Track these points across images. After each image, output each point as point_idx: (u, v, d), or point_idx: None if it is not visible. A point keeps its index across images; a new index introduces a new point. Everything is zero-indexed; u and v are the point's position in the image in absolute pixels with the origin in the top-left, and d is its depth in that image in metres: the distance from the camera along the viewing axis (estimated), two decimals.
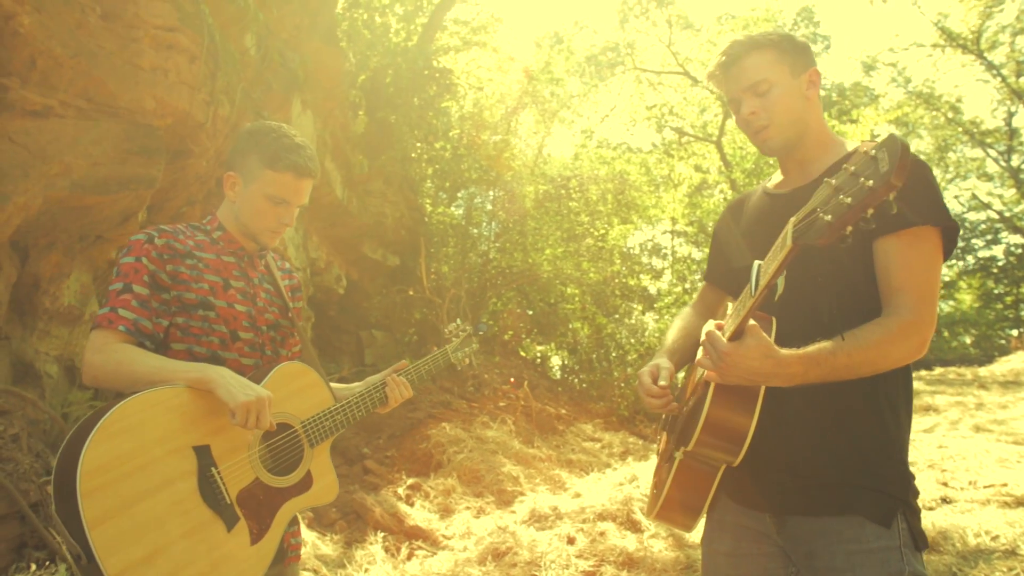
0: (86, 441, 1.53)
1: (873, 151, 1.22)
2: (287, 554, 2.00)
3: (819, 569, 1.58)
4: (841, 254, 1.58)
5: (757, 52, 1.72)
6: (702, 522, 1.86)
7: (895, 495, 1.55)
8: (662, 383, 1.73)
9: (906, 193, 1.49)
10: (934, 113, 23.28)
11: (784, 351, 1.48)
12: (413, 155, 11.65)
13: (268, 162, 1.91)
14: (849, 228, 1.25)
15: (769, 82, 1.71)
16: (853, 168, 1.23)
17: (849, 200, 1.22)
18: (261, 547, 1.74)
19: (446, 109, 12.58)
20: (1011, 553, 3.59)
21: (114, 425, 1.62)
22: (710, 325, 1.56)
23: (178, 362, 1.74)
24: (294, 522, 2.02)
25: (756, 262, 1.43)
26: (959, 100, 23.57)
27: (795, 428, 1.62)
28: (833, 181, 1.25)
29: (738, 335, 1.49)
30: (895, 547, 1.52)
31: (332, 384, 2.10)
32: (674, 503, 1.73)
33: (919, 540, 1.55)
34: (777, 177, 1.90)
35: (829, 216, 1.24)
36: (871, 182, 1.20)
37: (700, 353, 1.58)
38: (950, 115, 22.98)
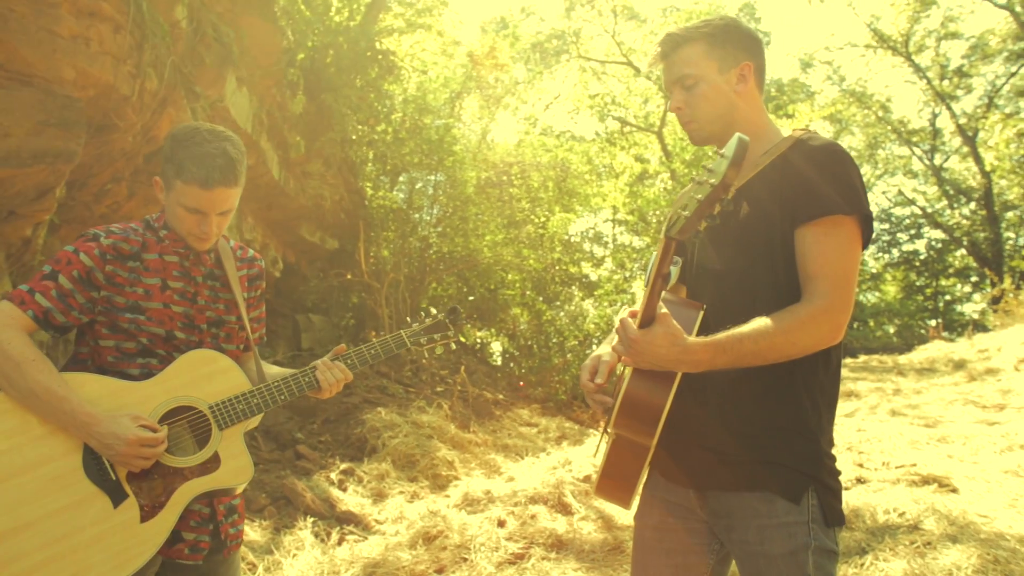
0: None
1: (721, 150, 1.37)
2: (226, 544, 2.00)
3: (735, 542, 1.67)
4: (774, 243, 1.65)
5: (687, 46, 1.76)
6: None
7: (805, 472, 1.61)
8: (598, 380, 1.78)
9: (823, 183, 1.59)
10: (865, 111, 24.13)
11: (691, 339, 1.56)
12: (354, 137, 11.46)
13: (176, 172, 1.87)
14: (703, 223, 1.42)
15: (695, 77, 1.75)
16: (710, 166, 1.38)
17: (700, 196, 1.38)
18: (152, 525, 1.75)
19: (389, 92, 12.40)
20: (914, 528, 3.79)
21: None
22: (623, 312, 1.65)
23: (65, 396, 1.71)
24: (234, 511, 2.02)
25: (654, 254, 1.56)
26: (889, 100, 24.51)
27: (715, 407, 1.69)
28: (696, 180, 1.39)
29: (647, 323, 1.56)
30: (803, 522, 1.59)
31: (269, 366, 2.10)
32: (609, 480, 1.80)
33: (830, 516, 1.61)
34: None
35: (687, 212, 1.40)
36: (714, 180, 1.36)
37: (615, 340, 1.65)
38: (880, 114, 23.86)
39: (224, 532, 1.98)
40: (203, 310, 1.99)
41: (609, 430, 1.75)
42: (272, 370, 2.14)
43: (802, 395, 1.64)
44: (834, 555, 1.62)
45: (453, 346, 2.36)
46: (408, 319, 2.38)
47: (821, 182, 1.61)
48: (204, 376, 1.90)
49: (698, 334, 1.64)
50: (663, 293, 1.77)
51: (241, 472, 1.90)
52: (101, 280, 1.85)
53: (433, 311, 2.34)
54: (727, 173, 1.35)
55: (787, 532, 1.59)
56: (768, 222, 1.67)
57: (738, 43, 1.77)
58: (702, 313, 1.71)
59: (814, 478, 1.61)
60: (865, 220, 1.63)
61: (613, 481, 1.79)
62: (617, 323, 1.66)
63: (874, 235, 1.71)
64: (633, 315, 1.63)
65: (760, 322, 1.56)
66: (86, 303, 1.84)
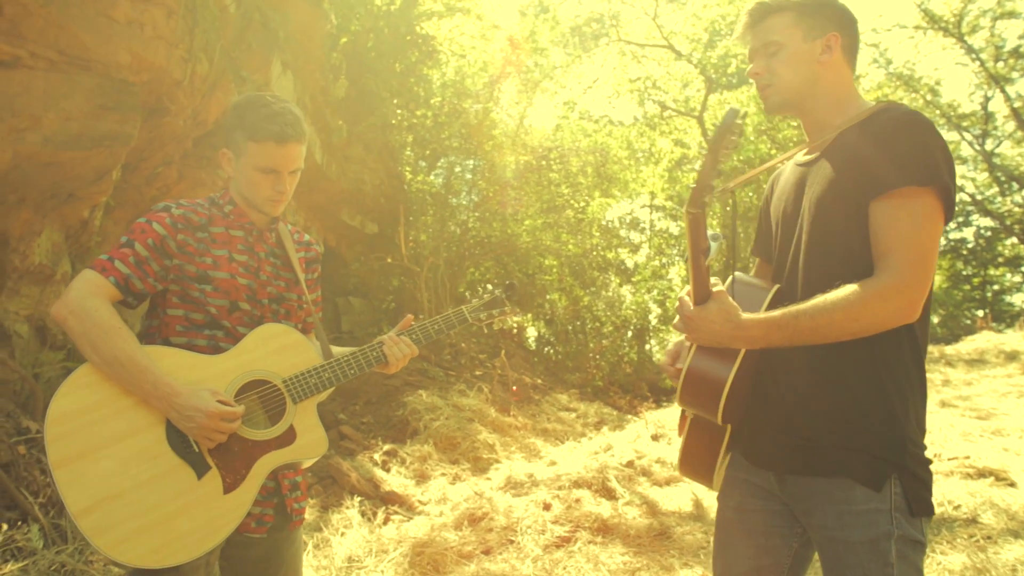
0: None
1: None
2: (291, 518, 2.04)
3: (814, 527, 1.65)
4: (849, 217, 1.60)
5: (776, 15, 1.75)
6: None
7: (888, 459, 1.56)
8: (679, 365, 1.79)
9: (897, 154, 1.53)
10: (913, 95, 23.39)
11: (746, 316, 1.58)
12: (393, 122, 11.49)
13: (249, 134, 1.93)
14: (707, 197, 1.47)
15: (778, 44, 1.73)
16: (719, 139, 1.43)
17: (719, 167, 1.44)
18: (235, 496, 1.78)
19: (428, 76, 12.39)
20: (972, 521, 3.71)
21: (81, 379, 1.75)
22: (683, 292, 1.69)
23: (148, 366, 1.75)
24: (297, 487, 2.05)
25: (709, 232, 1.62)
26: (938, 83, 23.72)
27: (794, 389, 1.66)
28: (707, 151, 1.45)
29: (702, 300, 1.61)
30: (885, 510, 1.54)
31: (334, 347, 2.12)
32: (689, 459, 1.86)
33: (915, 506, 1.56)
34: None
35: (695, 185, 1.48)
36: (710, 154, 1.43)
37: (677, 319, 1.71)
38: (928, 97, 23.10)
39: (289, 506, 2.01)
40: (265, 285, 2.03)
41: (677, 404, 1.78)
42: (334, 349, 2.16)
43: (885, 380, 1.59)
44: (920, 546, 1.57)
45: (509, 321, 2.43)
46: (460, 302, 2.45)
47: (895, 153, 1.55)
48: (276, 350, 1.92)
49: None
50: (738, 274, 1.78)
51: (317, 445, 1.93)
52: (173, 248, 1.89)
53: (490, 287, 2.42)
54: (712, 141, 1.41)
55: (867, 520, 1.55)
56: (842, 196, 1.62)
57: (829, 15, 1.73)
58: (772, 292, 1.71)
59: (897, 465, 1.56)
60: (944, 192, 1.54)
61: (693, 460, 1.85)
62: (678, 303, 1.70)
63: None
64: (689, 294, 1.66)
65: (821, 298, 1.54)
66: (160, 271, 1.88)
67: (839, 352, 1.57)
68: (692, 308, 1.62)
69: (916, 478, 1.58)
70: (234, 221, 2.04)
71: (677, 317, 1.69)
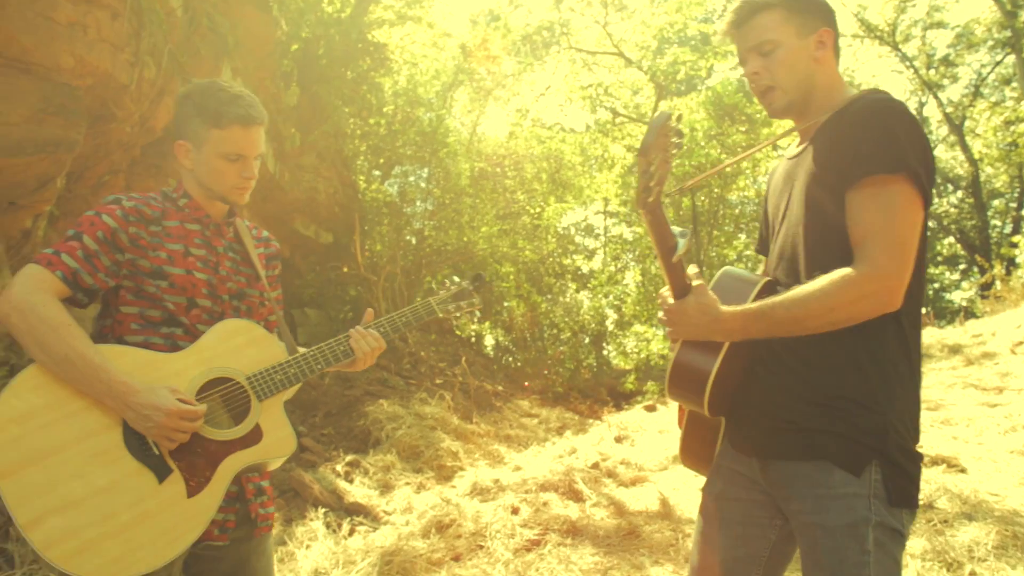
0: None
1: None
2: (257, 524, 1.94)
3: (793, 512, 1.63)
4: (835, 210, 1.59)
5: (765, 12, 1.70)
6: None
7: (869, 444, 1.54)
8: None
9: (865, 142, 1.54)
10: None
11: (723, 308, 1.59)
12: (347, 130, 11.38)
13: (212, 121, 1.86)
14: (649, 198, 1.47)
15: (773, 42, 1.68)
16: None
17: (651, 168, 1.45)
18: (199, 500, 1.69)
19: (380, 84, 12.31)
20: (929, 507, 3.80)
21: (28, 381, 1.62)
22: (664, 289, 1.70)
23: (101, 364, 1.65)
24: (262, 492, 1.96)
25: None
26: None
27: (776, 375, 1.66)
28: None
29: (680, 295, 1.63)
30: (864, 495, 1.52)
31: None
32: (688, 450, 1.91)
33: (895, 495, 1.54)
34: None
35: (639, 185, 1.49)
36: (641, 155, 1.44)
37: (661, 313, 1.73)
38: None
39: (254, 511, 1.92)
40: (225, 280, 1.94)
41: (666, 395, 1.88)
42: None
43: (867, 366, 1.57)
44: (900, 536, 1.55)
45: (477, 313, 2.40)
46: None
47: (863, 141, 1.54)
48: (239, 346, 1.84)
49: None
50: (728, 268, 1.81)
51: (284, 443, 1.85)
52: (125, 242, 1.79)
53: (457, 279, 2.38)
54: (643, 140, 1.42)
55: (845, 504, 1.53)
56: (824, 187, 1.62)
57: (816, 10, 1.71)
58: (760, 284, 1.71)
59: (878, 451, 1.54)
60: (914, 177, 1.51)
61: (691, 451, 1.89)
62: (660, 298, 1.73)
63: None
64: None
65: (797, 289, 1.55)
66: (111, 265, 1.78)
67: (822, 340, 1.57)
68: (669, 302, 1.65)
69: (898, 467, 1.55)
70: (189, 215, 1.95)
71: (660, 312, 1.71)
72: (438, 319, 2.26)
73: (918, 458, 1.61)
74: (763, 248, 1.97)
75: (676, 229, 1.59)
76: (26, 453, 1.54)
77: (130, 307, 1.81)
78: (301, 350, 2.03)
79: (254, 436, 1.80)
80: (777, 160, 1.99)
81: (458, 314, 2.31)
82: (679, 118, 1.48)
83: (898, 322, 1.59)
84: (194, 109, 1.87)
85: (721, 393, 1.67)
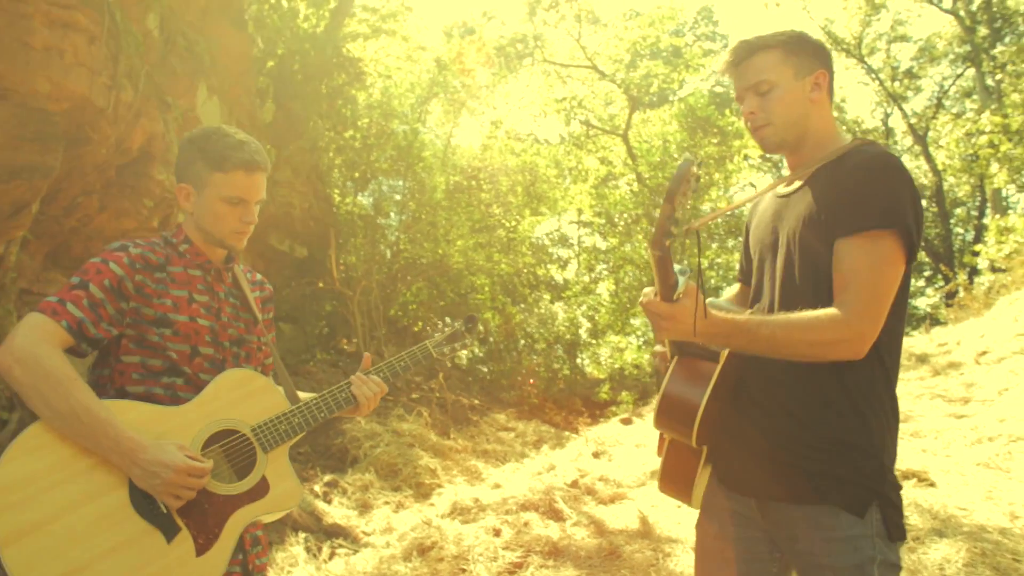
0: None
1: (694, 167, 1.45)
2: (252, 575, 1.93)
3: (800, 553, 1.68)
4: (821, 254, 1.65)
5: (763, 53, 1.75)
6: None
7: (870, 487, 1.62)
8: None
9: (865, 196, 1.61)
10: None
11: (715, 313, 1.62)
12: (321, 144, 11.35)
13: (215, 165, 1.85)
14: (667, 241, 1.49)
15: (770, 82, 1.73)
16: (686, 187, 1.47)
17: (676, 214, 1.48)
18: (209, 558, 1.67)
19: (355, 97, 12.30)
20: None
21: (30, 441, 1.58)
22: (643, 297, 1.69)
23: (108, 419, 1.63)
24: (258, 542, 1.95)
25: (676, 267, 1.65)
26: (843, 100, 25.07)
27: (776, 417, 1.71)
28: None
29: (668, 297, 1.63)
30: (868, 536, 1.60)
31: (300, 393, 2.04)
32: (669, 479, 1.92)
33: (893, 531, 1.62)
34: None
35: (655, 229, 1.52)
36: (667, 202, 1.46)
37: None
38: (836, 114, 24.31)
39: (251, 563, 1.91)
40: (226, 327, 1.93)
41: (655, 426, 1.84)
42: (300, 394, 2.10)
43: (865, 410, 1.65)
44: (897, 569, 1.64)
45: (470, 353, 2.42)
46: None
47: (862, 195, 1.60)
48: (242, 397, 1.83)
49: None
50: (711, 299, 1.83)
51: (291, 495, 1.83)
52: (131, 290, 1.77)
53: (449, 320, 2.42)
54: (668, 190, 1.44)
55: (852, 546, 1.60)
56: (814, 231, 1.67)
57: (813, 52, 1.76)
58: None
59: (878, 493, 1.63)
60: (906, 234, 1.58)
61: (672, 479, 1.91)
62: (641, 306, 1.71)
63: None
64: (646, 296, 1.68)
65: (786, 315, 1.61)
66: (115, 314, 1.75)
67: (818, 382, 1.64)
68: (661, 304, 1.59)
69: (892, 504, 1.64)
70: (191, 260, 1.94)
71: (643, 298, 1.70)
72: (434, 360, 2.29)
73: (900, 488, 1.70)
74: (745, 278, 2.02)
75: (677, 267, 1.62)
76: (31, 518, 1.52)
77: (132, 356, 1.79)
78: (301, 394, 2.04)
79: (261, 489, 1.78)
80: (755, 177, 2.00)
81: (452, 355, 2.34)
82: (700, 164, 1.50)
83: (883, 364, 1.66)
84: (198, 153, 1.87)
85: (708, 424, 1.72)
